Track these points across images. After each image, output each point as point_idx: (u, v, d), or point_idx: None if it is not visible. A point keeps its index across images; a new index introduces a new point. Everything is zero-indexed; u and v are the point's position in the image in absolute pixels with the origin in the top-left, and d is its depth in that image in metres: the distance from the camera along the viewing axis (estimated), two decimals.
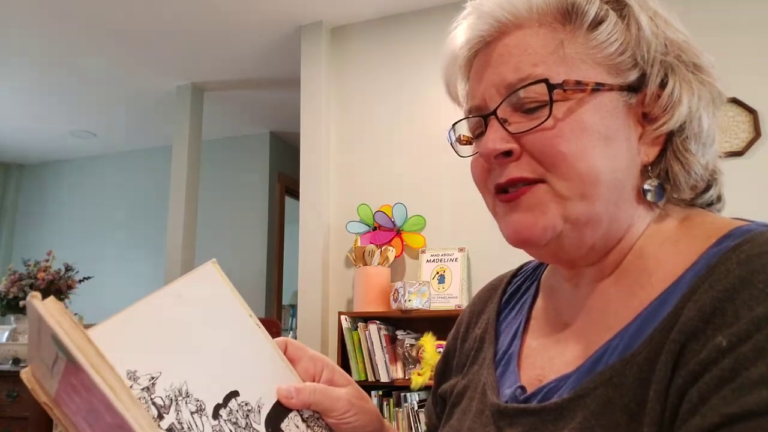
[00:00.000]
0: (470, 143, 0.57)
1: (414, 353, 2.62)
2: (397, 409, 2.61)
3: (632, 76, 0.49)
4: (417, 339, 2.64)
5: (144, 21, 3.26)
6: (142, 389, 0.44)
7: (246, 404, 0.48)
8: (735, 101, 2.57)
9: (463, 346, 0.65)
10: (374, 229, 2.99)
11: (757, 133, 2.55)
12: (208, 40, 3.46)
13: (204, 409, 0.46)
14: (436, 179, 2.95)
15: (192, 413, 0.46)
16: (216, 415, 0.47)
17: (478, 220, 2.78)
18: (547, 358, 0.53)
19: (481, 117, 0.52)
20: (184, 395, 0.46)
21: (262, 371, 0.51)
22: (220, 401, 0.47)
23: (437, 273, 2.80)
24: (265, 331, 0.53)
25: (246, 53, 3.63)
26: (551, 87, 0.47)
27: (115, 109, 4.46)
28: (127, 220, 5.21)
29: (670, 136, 0.50)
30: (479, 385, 0.57)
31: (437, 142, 2.94)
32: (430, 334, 2.53)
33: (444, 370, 0.67)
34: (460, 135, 0.57)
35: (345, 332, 2.73)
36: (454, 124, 0.57)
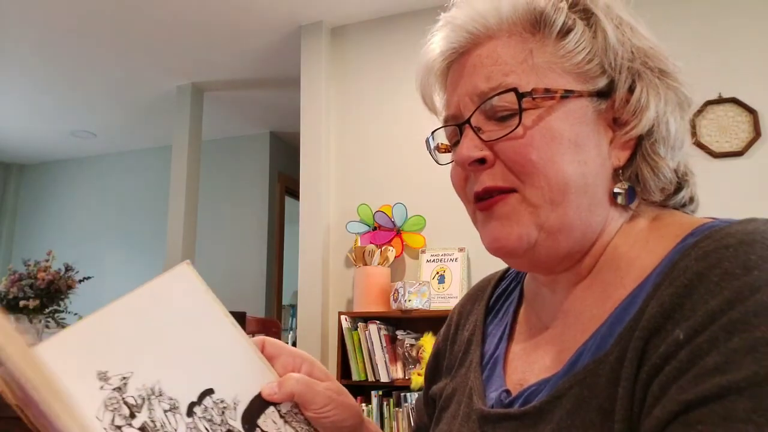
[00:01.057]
0: (449, 151, 0.58)
1: (414, 353, 2.62)
2: (397, 409, 2.62)
3: (601, 82, 0.50)
4: (417, 339, 2.64)
5: (144, 21, 3.26)
6: (114, 389, 0.45)
7: (221, 401, 0.49)
8: (735, 101, 2.57)
9: (452, 347, 0.66)
10: (374, 229, 3.00)
11: (757, 133, 2.55)
12: (208, 40, 3.46)
13: (178, 408, 0.47)
14: (436, 179, 2.95)
15: (165, 411, 0.46)
16: (190, 412, 0.47)
17: None
18: (527, 363, 0.54)
19: (456, 126, 0.54)
20: (157, 394, 0.46)
21: (237, 369, 0.51)
22: (195, 399, 0.48)
23: (437, 273, 2.80)
24: (241, 330, 0.53)
25: (246, 53, 3.63)
26: (520, 96, 0.49)
27: (115, 109, 4.46)
28: (127, 220, 5.21)
29: (639, 140, 0.51)
30: (466, 389, 0.58)
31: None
32: (430, 334, 2.53)
33: (434, 370, 0.68)
34: (438, 143, 0.59)
35: (345, 332, 2.73)
36: (432, 133, 0.59)
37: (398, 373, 2.68)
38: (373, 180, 3.09)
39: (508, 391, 0.53)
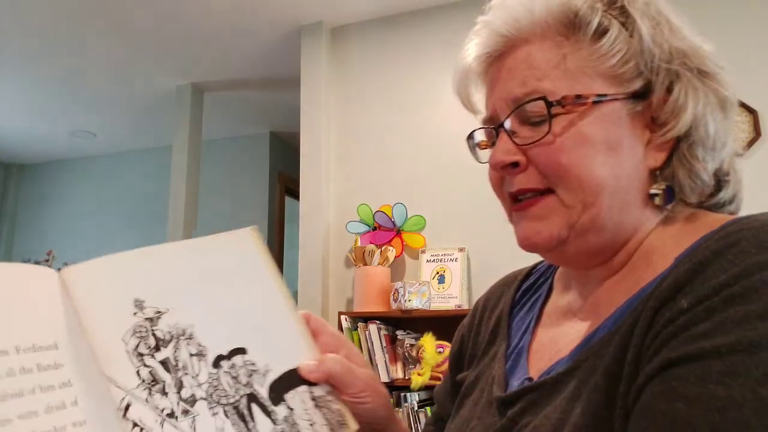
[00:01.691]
0: (489, 148, 0.59)
1: (414, 353, 2.62)
2: (397, 409, 2.61)
3: (637, 84, 0.50)
4: (417, 339, 2.64)
5: (144, 21, 3.26)
6: (146, 319, 0.46)
7: (251, 364, 0.48)
8: None
9: (476, 338, 0.67)
10: (374, 229, 2.99)
11: (757, 133, 2.55)
12: (208, 40, 3.46)
13: (205, 356, 0.46)
14: (436, 179, 2.95)
15: (191, 355, 0.46)
16: (217, 364, 0.46)
17: (478, 220, 2.79)
18: (554, 351, 0.55)
19: (492, 128, 0.55)
20: (186, 336, 0.46)
21: (277, 338, 0.50)
22: (224, 353, 0.47)
23: (437, 273, 2.80)
24: (294, 304, 0.52)
25: (246, 53, 3.63)
26: (549, 104, 0.49)
27: (115, 109, 4.46)
28: (127, 220, 5.21)
29: (677, 141, 0.51)
30: (489, 378, 0.59)
31: (437, 142, 2.94)
32: (430, 334, 2.53)
33: (458, 359, 0.70)
34: (480, 141, 0.60)
35: (345, 332, 2.73)
36: (471, 132, 0.60)
37: (398, 373, 2.68)
38: (373, 180, 3.09)
39: (530, 379, 0.54)
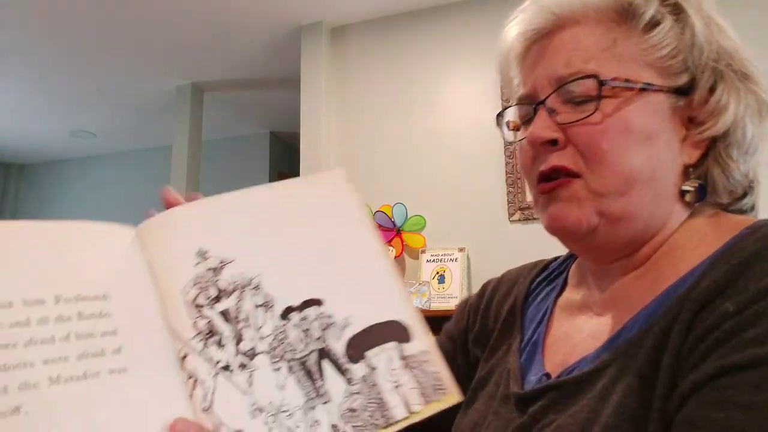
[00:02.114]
0: (518, 129, 0.59)
1: None
2: None
3: (682, 79, 0.50)
4: None
5: (144, 21, 3.26)
6: (208, 269, 0.43)
7: (328, 317, 0.43)
8: None
9: (484, 321, 0.67)
10: None
11: None
12: (208, 40, 3.46)
13: (272, 307, 0.43)
14: (436, 179, 2.95)
15: (256, 306, 0.43)
16: (285, 316, 0.43)
17: (478, 220, 2.79)
18: (569, 346, 0.54)
19: (530, 105, 0.54)
20: (252, 286, 0.43)
21: (365, 288, 0.45)
22: (295, 304, 0.43)
23: (437, 273, 2.79)
24: (387, 252, 0.48)
25: (246, 53, 3.62)
26: (601, 83, 0.49)
27: (115, 109, 4.46)
28: (127, 220, 5.17)
29: (713, 140, 0.51)
30: (504, 372, 0.58)
31: (438, 142, 2.94)
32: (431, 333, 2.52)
33: (464, 334, 0.69)
34: (509, 121, 0.59)
35: None
36: (503, 110, 0.59)
37: None
38: (372, 180, 3.09)
39: (548, 375, 0.53)
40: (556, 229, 0.52)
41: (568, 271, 0.63)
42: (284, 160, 5.09)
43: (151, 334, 0.41)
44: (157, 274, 0.43)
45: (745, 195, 0.54)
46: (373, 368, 0.42)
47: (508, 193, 2.73)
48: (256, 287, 0.43)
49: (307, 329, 0.42)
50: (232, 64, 3.78)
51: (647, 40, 0.50)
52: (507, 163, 2.76)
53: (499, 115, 0.60)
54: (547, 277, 0.66)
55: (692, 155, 0.51)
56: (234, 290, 0.43)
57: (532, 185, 0.55)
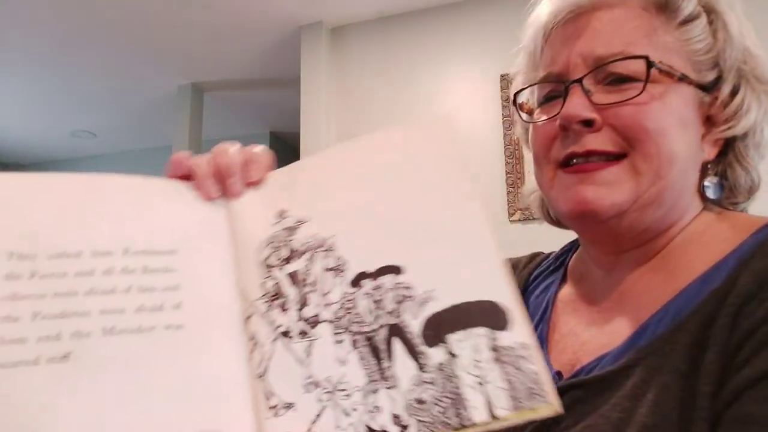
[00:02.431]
0: (531, 113, 0.57)
1: None
2: None
3: (710, 76, 0.51)
4: None
5: (144, 21, 3.25)
6: (284, 229, 0.42)
7: (406, 287, 0.37)
8: None
9: None
10: None
11: None
12: (208, 40, 3.46)
13: (343, 271, 0.39)
14: None
15: (326, 269, 0.39)
16: (357, 283, 0.38)
17: None
18: (579, 344, 0.53)
19: (561, 83, 0.52)
20: (325, 248, 0.40)
21: (459, 259, 0.38)
22: (369, 270, 0.38)
23: None
24: (489, 219, 0.39)
25: (246, 53, 3.62)
26: (650, 64, 0.48)
27: (115, 109, 4.46)
28: None
29: (729, 140, 0.52)
30: None
31: None
32: None
33: None
34: (522, 102, 0.58)
35: None
36: (519, 91, 0.58)
37: None
38: None
39: (559, 373, 0.52)
40: (582, 212, 0.50)
41: (566, 266, 0.63)
42: (284, 160, 5.06)
43: (216, 293, 0.40)
44: (237, 230, 0.42)
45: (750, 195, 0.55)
46: (454, 356, 0.35)
47: (508, 193, 2.73)
48: (329, 249, 0.39)
49: (380, 300, 0.37)
50: (232, 64, 3.78)
51: (684, 33, 0.50)
52: (507, 163, 2.76)
53: (516, 95, 0.59)
54: (543, 271, 0.65)
55: (711, 152, 0.52)
56: (305, 251, 0.40)
57: (546, 165, 0.54)
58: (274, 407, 0.36)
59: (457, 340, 0.35)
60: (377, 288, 0.37)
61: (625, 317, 0.50)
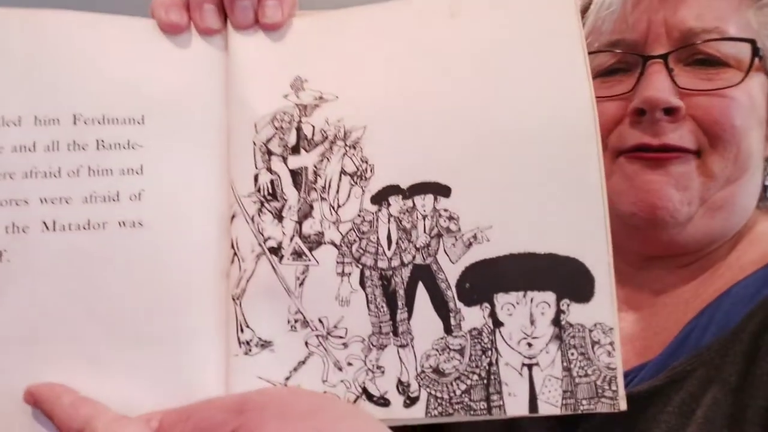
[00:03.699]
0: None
1: None
2: None
3: None
4: None
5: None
6: (298, 105, 0.30)
7: (449, 218, 0.27)
8: None
9: None
10: None
11: None
12: None
13: (368, 180, 0.28)
14: None
15: (344, 173, 0.29)
16: (382, 199, 0.28)
17: None
18: None
19: (640, 56, 0.43)
20: (350, 143, 0.29)
21: (532, 191, 0.27)
22: (402, 186, 0.28)
23: None
24: (599, 145, 0.28)
25: None
26: (756, 50, 0.42)
27: None
28: None
29: None
30: None
31: None
32: None
33: None
34: None
35: None
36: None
37: None
38: None
39: None
40: (647, 210, 0.42)
41: None
42: None
43: (193, 180, 0.30)
44: (234, 93, 0.30)
45: None
46: (499, 323, 0.26)
47: None
48: (354, 144, 0.29)
49: (410, 228, 0.27)
50: None
51: (764, 15, 0.44)
52: None
53: None
54: None
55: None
56: (321, 142, 0.29)
57: (603, 154, 0.48)
58: (246, 343, 0.28)
59: (508, 302, 0.26)
60: (407, 211, 0.28)
61: (659, 322, 0.45)
